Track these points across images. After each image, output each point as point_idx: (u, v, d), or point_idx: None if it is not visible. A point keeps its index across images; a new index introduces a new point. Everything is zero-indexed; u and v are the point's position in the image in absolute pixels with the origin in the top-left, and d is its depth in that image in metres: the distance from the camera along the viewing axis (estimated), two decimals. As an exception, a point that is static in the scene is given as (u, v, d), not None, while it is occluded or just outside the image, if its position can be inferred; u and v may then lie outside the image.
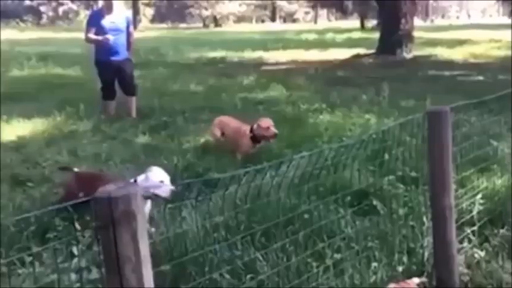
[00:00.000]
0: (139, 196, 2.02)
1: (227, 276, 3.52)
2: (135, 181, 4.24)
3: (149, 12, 59.95)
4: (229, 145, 6.82)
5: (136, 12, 48.31)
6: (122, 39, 9.10)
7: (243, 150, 6.65)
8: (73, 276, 3.57)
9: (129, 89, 9.34)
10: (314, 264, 3.61)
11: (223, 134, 6.96)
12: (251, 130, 6.55)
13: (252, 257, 3.69)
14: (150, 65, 16.95)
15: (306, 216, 4.28)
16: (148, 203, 4.28)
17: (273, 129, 6.51)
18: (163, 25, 60.41)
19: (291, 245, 3.81)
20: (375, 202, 4.51)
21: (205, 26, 57.53)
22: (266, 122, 6.57)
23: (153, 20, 62.03)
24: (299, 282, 3.42)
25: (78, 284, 3.45)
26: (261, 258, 3.72)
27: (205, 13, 58.68)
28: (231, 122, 7.10)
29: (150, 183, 4.13)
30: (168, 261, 3.56)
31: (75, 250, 3.79)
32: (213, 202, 4.42)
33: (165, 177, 4.23)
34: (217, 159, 6.54)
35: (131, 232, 1.97)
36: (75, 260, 3.67)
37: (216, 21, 58.37)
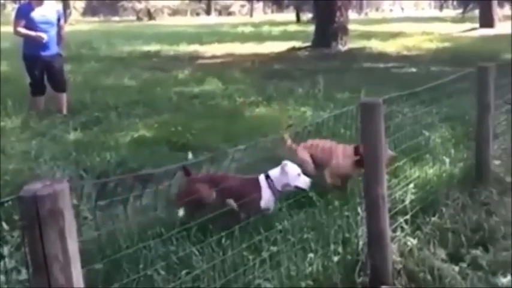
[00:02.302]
0: (67, 194, 1.96)
1: (162, 272, 3.46)
2: (268, 176, 4.36)
3: (80, 5, 58.43)
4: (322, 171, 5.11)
5: (66, 5, 47.01)
6: (53, 33, 8.80)
7: (344, 174, 5.03)
8: (2, 277, 3.45)
9: (59, 85, 9.06)
10: (250, 257, 3.60)
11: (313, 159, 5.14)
12: (356, 152, 4.80)
13: (188, 252, 3.64)
14: (82, 59, 16.55)
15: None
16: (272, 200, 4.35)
17: (391, 152, 4.82)
18: (95, 18, 59.13)
19: (227, 239, 3.79)
20: (310, 194, 4.53)
21: (139, 19, 56.60)
22: None
23: (84, 13, 60.51)
24: (235, 275, 3.39)
25: (6, 286, 3.32)
26: (196, 252, 3.68)
27: (138, 6, 57.72)
28: (322, 143, 5.23)
29: (289, 176, 4.33)
30: (101, 259, 3.47)
31: (2, 251, 3.65)
32: (147, 198, 4.33)
33: (299, 170, 4.41)
34: (151, 154, 6.44)
35: (58, 231, 1.91)
36: (3, 261, 3.53)
37: (150, 15, 57.50)
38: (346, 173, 4.97)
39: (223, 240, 3.77)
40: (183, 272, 3.50)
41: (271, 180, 4.36)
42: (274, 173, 4.39)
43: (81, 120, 8.49)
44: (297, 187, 4.40)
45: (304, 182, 4.42)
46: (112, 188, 4.46)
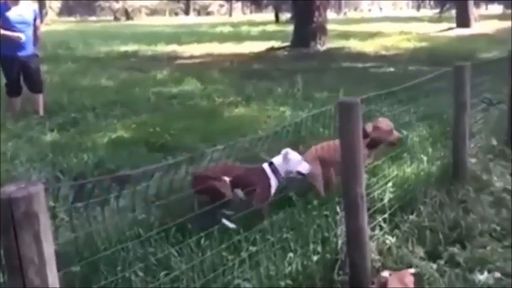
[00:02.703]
0: (42, 196, 1.95)
1: (140, 273, 3.43)
2: (271, 163, 4.55)
3: (56, 5, 57.88)
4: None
5: (42, 5, 46.51)
6: (29, 33, 8.69)
7: None
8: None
9: (36, 86, 8.95)
10: (229, 257, 3.59)
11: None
12: (365, 134, 4.68)
13: (166, 253, 3.62)
14: (59, 60, 16.40)
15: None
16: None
17: (397, 133, 5.19)
18: (72, 18, 58.62)
19: (206, 239, 3.78)
20: (290, 194, 4.53)
21: (116, 19, 56.23)
22: (386, 123, 5.15)
23: (60, 13, 59.99)
24: (214, 276, 3.38)
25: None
26: (175, 253, 3.66)
27: (116, 6, 57.35)
28: (327, 144, 5.08)
29: (291, 162, 4.54)
30: (78, 262, 3.44)
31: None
32: (125, 199, 4.29)
33: (300, 157, 4.63)
34: (129, 155, 6.39)
35: (34, 233, 1.90)
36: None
37: (128, 14, 57.17)
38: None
39: (202, 241, 3.76)
40: (162, 273, 3.48)
41: (276, 168, 4.53)
42: (277, 160, 4.57)
43: (58, 121, 8.40)
44: (298, 172, 4.59)
45: (304, 167, 4.60)
46: (89, 190, 4.41)
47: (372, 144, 5.00)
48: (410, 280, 3.32)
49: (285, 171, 4.56)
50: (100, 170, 5.89)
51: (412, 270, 3.43)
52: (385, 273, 3.40)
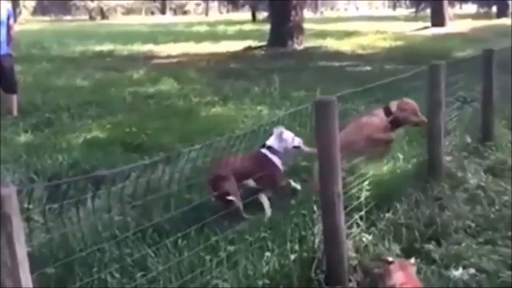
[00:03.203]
0: (14, 198, 1.93)
1: (117, 275, 3.40)
2: (264, 145, 4.80)
3: (30, 4, 57.09)
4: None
5: (16, 4, 45.88)
6: (3, 32, 8.57)
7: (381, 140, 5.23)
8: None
9: (10, 86, 8.83)
10: (207, 257, 3.57)
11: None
12: (388, 112, 5.20)
13: (143, 254, 3.59)
14: (33, 59, 16.17)
15: (199, 210, 4.23)
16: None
17: (422, 115, 5.28)
18: (46, 18, 57.87)
19: (183, 239, 3.76)
20: (268, 194, 4.54)
21: (92, 18, 55.68)
22: (411, 104, 5.26)
23: (34, 12, 59.15)
24: (192, 276, 3.36)
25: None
26: (152, 254, 3.64)
27: (91, 5, 56.75)
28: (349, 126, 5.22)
29: (287, 140, 4.81)
30: (53, 263, 3.40)
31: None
32: (100, 200, 4.25)
33: (292, 134, 4.92)
34: (105, 155, 6.34)
35: (6, 235, 1.89)
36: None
37: (103, 14, 56.66)
38: (384, 139, 5.24)
39: (179, 241, 3.74)
40: (139, 274, 3.45)
41: (274, 149, 4.78)
42: (272, 142, 4.81)
43: (32, 121, 8.31)
44: (295, 147, 4.87)
45: (298, 141, 4.88)
46: (64, 191, 4.36)
47: (396, 124, 5.22)
48: (412, 269, 3.31)
49: (283, 149, 4.81)
50: (75, 170, 5.83)
51: (413, 261, 3.42)
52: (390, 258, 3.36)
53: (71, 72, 14.02)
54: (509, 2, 40.69)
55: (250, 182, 4.67)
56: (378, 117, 5.22)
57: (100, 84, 12.08)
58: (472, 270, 3.74)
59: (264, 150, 4.77)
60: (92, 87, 11.73)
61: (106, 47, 21.53)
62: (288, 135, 4.84)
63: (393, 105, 5.21)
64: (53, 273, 3.37)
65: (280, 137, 4.79)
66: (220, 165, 4.62)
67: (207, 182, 4.58)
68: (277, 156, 4.77)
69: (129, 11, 61.36)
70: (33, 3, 57.87)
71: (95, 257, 3.57)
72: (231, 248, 3.70)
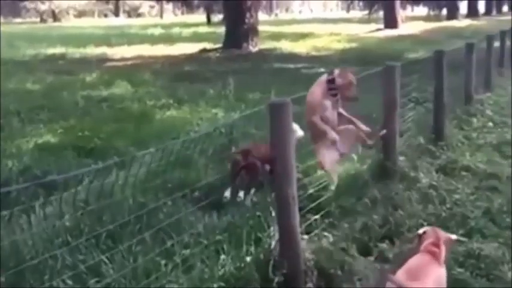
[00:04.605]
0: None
1: (69, 282, 3.32)
2: None
3: (-23, 6, 55.65)
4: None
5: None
6: None
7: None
8: None
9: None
10: (162, 262, 3.52)
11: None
12: (329, 80, 4.94)
13: (97, 260, 3.51)
14: (-18, 63, 15.74)
15: (154, 214, 4.17)
16: None
17: (355, 92, 4.98)
18: (-5, 20, 56.49)
19: (138, 245, 3.70)
20: (226, 194, 4.51)
21: (43, 20, 54.52)
22: (350, 76, 4.98)
23: (-18, 15, 57.65)
24: (147, 282, 3.31)
25: None
26: (106, 260, 3.56)
27: (42, 7, 55.56)
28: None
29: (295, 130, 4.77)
30: (4, 272, 3.30)
31: None
32: (52, 206, 4.16)
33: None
34: (57, 160, 6.21)
35: None
36: None
37: (55, 16, 55.55)
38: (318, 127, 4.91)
39: (133, 247, 3.67)
40: (92, 281, 3.38)
41: None
42: None
43: (-20, 127, 8.09)
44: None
45: (300, 132, 5.19)
46: (14, 197, 4.25)
47: (334, 89, 4.90)
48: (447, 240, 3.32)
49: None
50: (26, 176, 5.69)
51: (455, 237, 3.46)
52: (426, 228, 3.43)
53: (21, 76, 13.72)
54: (459, 4, 41.77)
55: (267, 167, 4.85)
56: (320, 84, 5.01)
57: (52, 88, 11.88)
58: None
59: None
60: (43, 91, 11.52)
61: (58, 49, 21.16)
62: (295, 126, 4.81)
63: (336, 72, 4.97)
64: (2, 282, 3.27)
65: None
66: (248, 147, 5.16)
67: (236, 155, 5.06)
68: None
69: (81, 14, 60.32)
70: (-19, 5, 56.41)
71: (47, 264, 3.48)
72: (186, 252, 3.66)
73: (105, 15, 63.21)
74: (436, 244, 3.20)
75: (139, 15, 65.48)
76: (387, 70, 5.43)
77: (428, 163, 5.99)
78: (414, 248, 3.41)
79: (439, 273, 3.12)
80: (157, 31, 32.18)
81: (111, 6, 61.98)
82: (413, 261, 3.13)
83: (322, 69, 14.81)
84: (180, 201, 4.45)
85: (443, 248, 3.22)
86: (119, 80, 12.32)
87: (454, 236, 3.45)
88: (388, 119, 5.46)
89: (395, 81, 5.44)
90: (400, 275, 2.97)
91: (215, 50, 20.27)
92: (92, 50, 21.23)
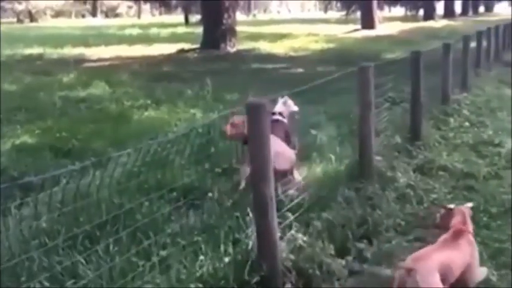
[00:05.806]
0: None
1: (46, 283, 3.29)
2: (280, 113, 5.71)
3: (-48, 6, 54.84)
4: None
5: None
6: None
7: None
8: None
9: None
10: (139, 263, 3.51)
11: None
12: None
13: (74, 261, 3.49)
14: (-43, 63, 15.55)
15: (131, 215, 4.15)
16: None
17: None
18: (-30, 20, 55.75)
19: (115, 245, 3.68)
20: (201, 196, 4.51)
21: (20, 21, 53.89)
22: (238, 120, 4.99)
23: (-43, 15, 56.85)
24: (124, 282, 3.30)
25: None
26: (83, 261, 3.54)
27: (19, 7, 54.95)
28: None
29: (289, 104, 5.87)
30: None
31: None
32: (29, 207, 4.12)
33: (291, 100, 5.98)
34: (34, 161, 6.16)
35: None
36: None
37: (32, 16, 54.93)
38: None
39: (111, 247, 3.66)
40: (69, 282, 3.35)
41: (283, 114, 5.73)
42: (280, 107, 5.79)
43: (-44, 128, 7.98)
44: (294, 110, 5.98)
45: (293, 104, 5.90)
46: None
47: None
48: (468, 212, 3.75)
49: (289, 112, 5.86)
50: (3, 177, 5.64)
51: (470, 205, 3.90)
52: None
53: (-2, 76, 13.55)
54: (436, 5, 42.16)
55: None
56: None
57: (29, 89, 11.78)
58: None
59: (276, 117, 5.58)
60: (20, 92, 11.43)
61: (35, 50, 20.94)
62: (290, 102, 5.89)
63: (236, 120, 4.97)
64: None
65: (285, 103, 5.82)
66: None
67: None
68: (285, 120, 5.75)
69: (58, 14, 59.72)
70: (-45, 5, 55.59)
71: (23, 265, 3.45)
72: (164, 253, 3.65)
73: (83, 16, 62.67)
74: (463, 221, 3.62)
75: (117, 15, 65.06)
76: (361, 70, 5.47)
77: (406, 163, 6.04)
78: (440, 226, 3.76)
79: (474, 243, 3.60)
80: (135, 31, 32.01)
81: (88, 6, 61.43)
82: (448, 237, 3.53)
83: (300, 70, 14.95)
84: (157, 202, 4.43)
85: (469, 222, 3.68)
86: (96, 81, 12.25)
87: (469, 204, 3.93)
88: (363, 118, 5.49)
89: (370, 81, 5.47)
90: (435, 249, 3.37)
91: (193, 50, 20.22)
92: (70, 51, 21.04)
